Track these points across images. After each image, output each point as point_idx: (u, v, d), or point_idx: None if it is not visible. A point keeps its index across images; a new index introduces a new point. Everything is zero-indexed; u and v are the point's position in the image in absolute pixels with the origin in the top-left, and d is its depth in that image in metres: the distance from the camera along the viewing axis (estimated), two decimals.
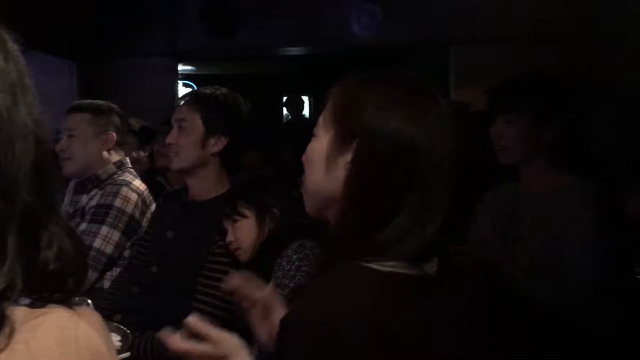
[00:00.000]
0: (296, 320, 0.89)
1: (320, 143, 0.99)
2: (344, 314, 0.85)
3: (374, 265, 0.91)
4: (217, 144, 1.99)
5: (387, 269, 0.91)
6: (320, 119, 1.02)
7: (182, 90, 5.93)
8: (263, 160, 4.04)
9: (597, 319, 1.61)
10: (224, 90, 2.04)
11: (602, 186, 1.73)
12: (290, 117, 7.83)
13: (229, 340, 1.04)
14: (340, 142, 0.96)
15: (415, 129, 0.94)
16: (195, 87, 5.93)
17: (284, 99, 7.86)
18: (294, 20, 4.82)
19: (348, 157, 0.95)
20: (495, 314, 1.12)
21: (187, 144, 1.98)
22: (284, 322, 0.90)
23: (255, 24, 4.81)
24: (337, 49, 5.30)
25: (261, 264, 1.76)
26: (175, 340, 1.03)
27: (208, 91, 2.03)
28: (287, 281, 1.60)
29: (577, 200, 1.66)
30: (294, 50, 5.41)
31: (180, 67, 5.59)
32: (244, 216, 1.83)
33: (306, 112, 8.05)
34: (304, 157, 1.04)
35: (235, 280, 1.28)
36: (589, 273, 1.60)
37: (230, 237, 1.83)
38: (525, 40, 4.75)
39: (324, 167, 0.98)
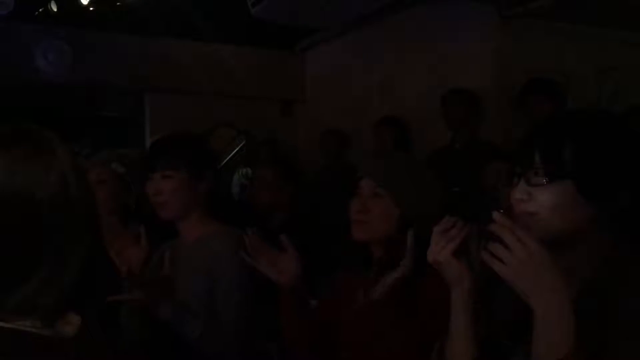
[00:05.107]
0: None
1: None
2: None
3: None
4: None
5: (8, 326, 0.85)
6: None
7: None
8: None
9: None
10: None
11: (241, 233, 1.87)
12: None
13: None
14: None
15: (44, 188, 0.88)
16: None
17: None
18: None
19: None
20: None
21: None
22: None
23: None
24: (21, 83, 4.87)
25: None
26: None
27: None
28: None
29: (222, 245, 1.80)
30: None
31: None
32: None
33: None
34: None
35: None
36: (232, 313, 1.74)
37: None
38: (215, 94, 5.01)
39: None
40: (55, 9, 3.98)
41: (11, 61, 4.49)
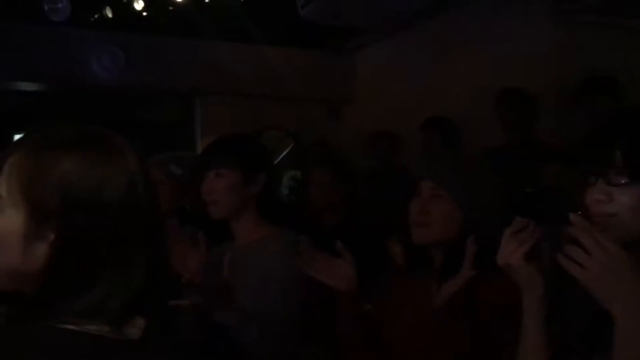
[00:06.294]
0: None
1: (11, 222, 0.88)
2: None
3: (67, 326, 0.86)
4: None
5: (78, 329, 0.86)
6: (3, 191, 0.89)
7: None
8: None
9: None
10: None
11: (298, 236, 1.83)
12: None
13: None
14: (37, 222, 0.88)
15: (113, 191, 0.89)
16: None
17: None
18: (23, 54, 4.42)
19: (50, 235, 0.87)
20: None
21: None
22: None
23: None
24: (75, 88, 5.00)
25: None
26: None
27: None
28: None
29: (277, 248, 1.79)
30: (22, 86, 4.94)
31: None
32: None
33: None
34: None
35: None
36: (285, 317, 1.73)
37: None
38: (263, 96, 5.03)
39: (21, 248, 0.88)
40: (110, 15, 4.07)
41: (66, 66, 4.61)
